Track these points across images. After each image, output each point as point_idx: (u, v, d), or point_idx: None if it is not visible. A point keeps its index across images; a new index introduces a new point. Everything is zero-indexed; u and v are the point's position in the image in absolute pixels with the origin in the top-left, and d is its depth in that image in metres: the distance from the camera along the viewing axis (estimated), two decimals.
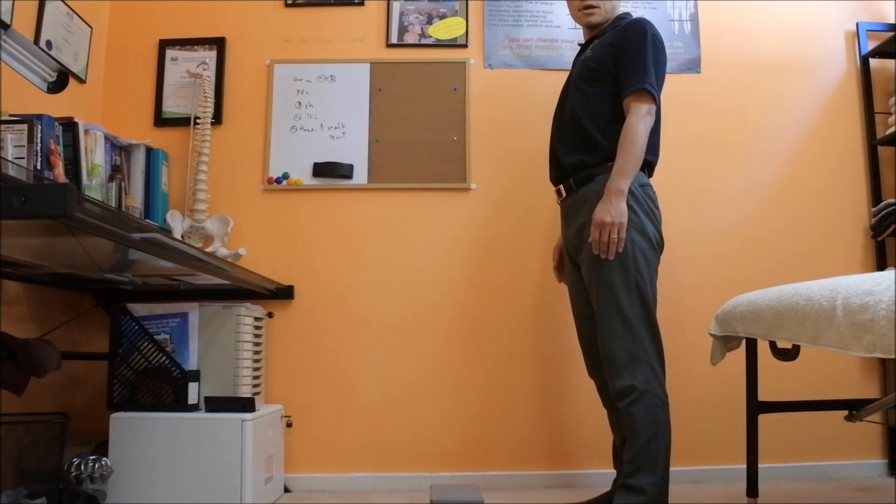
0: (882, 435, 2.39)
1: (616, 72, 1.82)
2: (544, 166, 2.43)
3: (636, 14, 2.55)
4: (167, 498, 1.83)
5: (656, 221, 1.81)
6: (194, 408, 1.94)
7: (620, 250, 1.71)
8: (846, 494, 2.10)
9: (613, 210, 1.69)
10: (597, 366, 1.91)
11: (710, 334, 1.86)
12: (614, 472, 1.99)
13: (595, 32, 1.98)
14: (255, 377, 2.15)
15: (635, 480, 1.67)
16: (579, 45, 2.08)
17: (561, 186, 1.93)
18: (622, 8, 2.03)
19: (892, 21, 2.60)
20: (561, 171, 1.92)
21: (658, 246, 1.81)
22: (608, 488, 1.98)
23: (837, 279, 1.32)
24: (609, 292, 1.73)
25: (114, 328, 2.02)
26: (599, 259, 1.73)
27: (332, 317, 2.39)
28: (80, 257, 1.61)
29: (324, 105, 2.50)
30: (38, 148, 1.82)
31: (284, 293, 2.37)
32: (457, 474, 2.31)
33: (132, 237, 1.31)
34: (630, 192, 1.73)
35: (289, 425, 2.31)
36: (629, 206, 1.73)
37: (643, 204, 1.77)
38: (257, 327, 2.18)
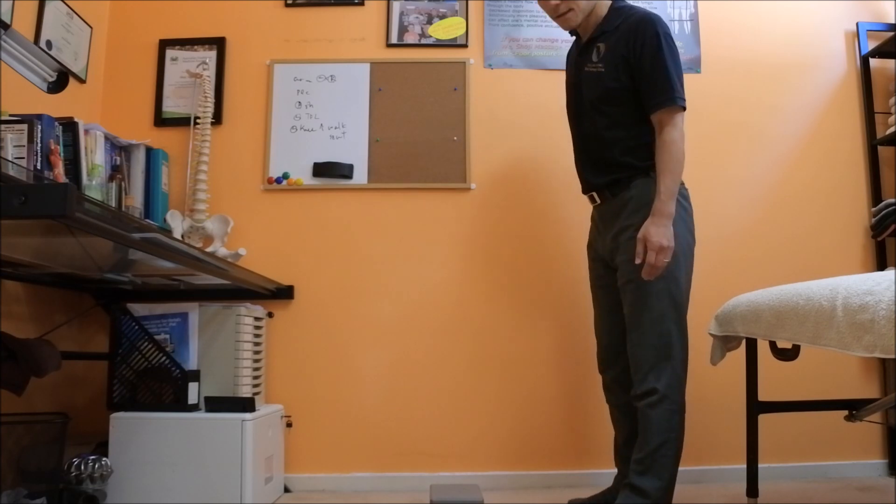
0: (882, 435, 2.39)
1: (634, 84, 1.76)
2: (544, 166, 2.44)
3: None
4: (167, 498, 1.83)
5: (690, 223, 1.79)
6: (194, 408, 1.94)
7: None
8: (846, 494, 2.10)
9: (669, 234, 1.65)
10: (608, 362, 1.91)
11: (710, 334, 1.87)
12: (614, 471, 1.99)
13: (592, 30, 1.86)
14: (255, 377, 2.15)
15: (641, 482, 1.67)
16: (572, 34, 1.97)
17: (594, 194, 1.89)
18: None
19: (892, 21, 2.60)
20: (592, 186, 1.89)
21: (692, 250, 1.79)
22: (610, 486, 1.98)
23: (837, 279, 1.32)
24: (643, 297, 1.71)
25: (114, 328, 2.02)
26: (631, 262, 1.71)
27: (332, 317, 2.39)
28: (80, 257, 1.61)
29: (324, 105, 2.49)
30: (38, 148, 1.82)
31: (284, 293, 2.37)
32: (457, 474, 2.30)
33: (132, 237, 1.31)
34: None
35: (289, 425, 2.31)
36: (644, 211, 1.72)
37: (678, 209, 1.73)
38: (257, 327, 2.18)
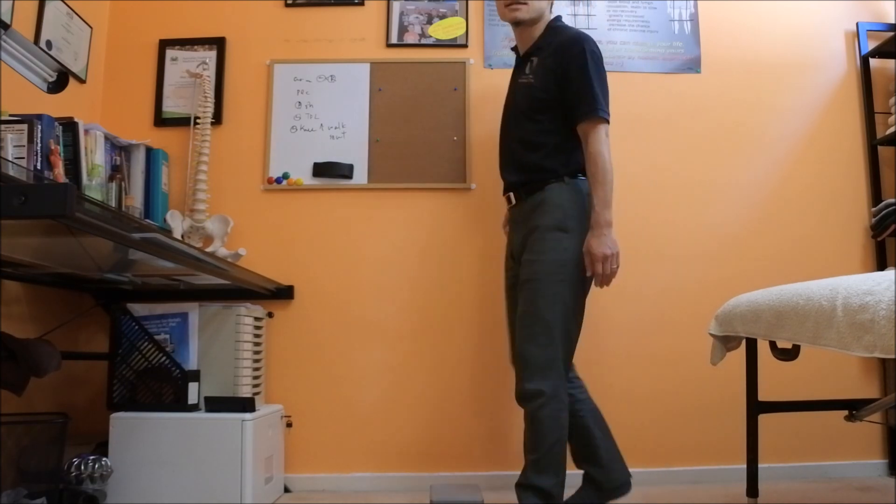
0: (882, 435, 2.39)
1: (562, 97, 1.84)
2: None
3: (639, 12, 2.56)
4: (167, 498, 1.83)
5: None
6: (194, 408, 1.94)
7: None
8: (846, 494, 2.10)
9: (609, 242, 1.74)
10: None
11: (710, 334, 1.86)
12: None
13: (529, 46, 1.95)
14: (255, 377, 2.15)
15: (541, 481, 1.72)
16: (513, 50, 2.05)
17: (511, 195, 1.96)
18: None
19: (892, 21, 2.60)
20: (509, 187, 1.97)
21: None
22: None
23: (837, 279, 1.32)
24: (538, 297, 1.76)
25: (114, 328, 2.02)
26: (533, 262, 1.78)
27: (332, 317, 2.39)
28: (80, 257, 1.61)
29: (324, 105, 2.49)
30: (38, 148, 1.82)
31: (284, 293, 2.37)
32: (457, 474, 2.30)
33: (132, 237, 1.31)
34: (573, 199, 1.80)
35: (289, 425, 2.31)
36: (566, 214, 1.79)
37: (587, 213, 1.79)
38: (257, 327, 2.18)
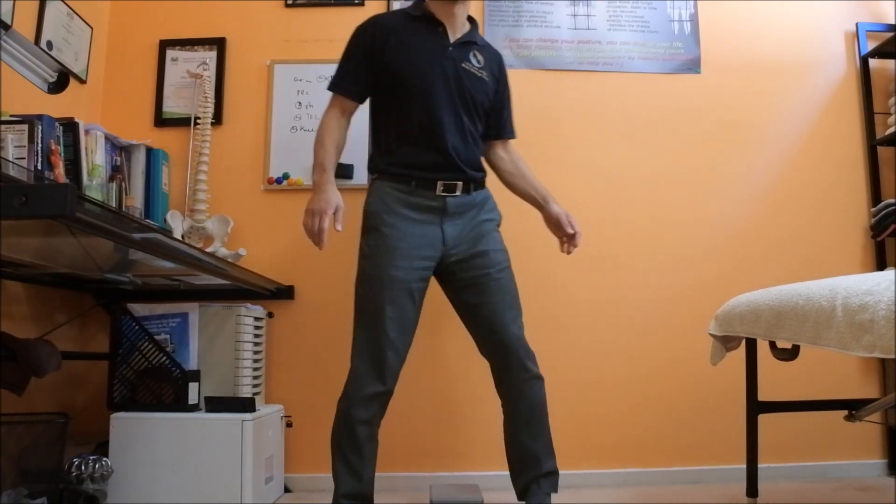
0: (882, 435, 2.39)
1: (492, 107, 1.91)
2: (543, 167, 2.43)
3: (639, 12, 2.56)
4: (167, 498, 1.83)
5: None
6: (194, 408, 1.94)
7: None
8: (846, 494, 2.10)
9: None
10: (395, 374, 1.82)
11: (710, 334, 1.87)
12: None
13: (462, 31, 1.83)
14: (255, 377, 2.15)
15: (550, 464, 1.78)
16: (421, 16, 1.82)
17: (459, 184, 1.80)
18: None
19: (892, 21, 2.60)
20: (465, 178, 1.82)
21: None
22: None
23: (837, 279, 1.32)
24: (512, 283, 1.89)
25: (114, 328, 2.02)
26: (498, 252, 1.89)
27: (332, 317, 2.39)
28: (81, 257, 1.61)
29: (324, 105, 2.47)
30: (39, 148, 1.82)
31: (284, 293, 2.37)
32: (457, 474, 2.30)
33: (132, 237, 1.31)
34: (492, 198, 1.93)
35: (289, 425, 2.31)
36: (497, 211, 1.96)
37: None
38: (257, 327, 2.18)
